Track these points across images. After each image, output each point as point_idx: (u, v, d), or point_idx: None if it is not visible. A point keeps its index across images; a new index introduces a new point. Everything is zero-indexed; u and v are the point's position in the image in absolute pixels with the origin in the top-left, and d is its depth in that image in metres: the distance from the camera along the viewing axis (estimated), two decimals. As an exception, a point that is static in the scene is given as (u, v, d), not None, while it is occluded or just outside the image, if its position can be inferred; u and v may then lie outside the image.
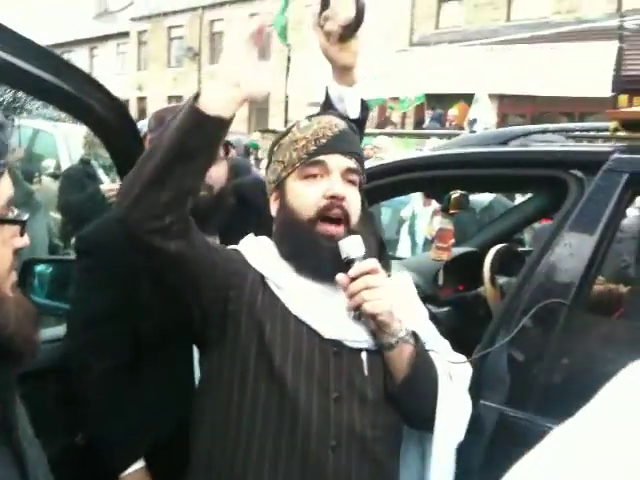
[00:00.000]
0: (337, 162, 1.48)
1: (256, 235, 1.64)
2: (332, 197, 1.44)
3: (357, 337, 1.46)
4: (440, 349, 1.58)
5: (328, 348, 1.43)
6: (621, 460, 0.52)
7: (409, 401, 1.49)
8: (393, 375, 1.47)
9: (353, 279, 1.41)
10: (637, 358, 1.38)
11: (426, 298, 2.99)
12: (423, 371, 1.49)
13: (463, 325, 2.86)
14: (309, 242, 1.45)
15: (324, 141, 1.48)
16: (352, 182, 1.50)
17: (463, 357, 1.61)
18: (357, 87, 1.80)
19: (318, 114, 1.62)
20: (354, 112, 1.80)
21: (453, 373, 1.55)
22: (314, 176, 1.48)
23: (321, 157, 1.47)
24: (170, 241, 1.32)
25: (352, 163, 1.50)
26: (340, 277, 1.41)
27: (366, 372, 1.45)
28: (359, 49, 1.72)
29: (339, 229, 1.45)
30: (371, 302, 1.39)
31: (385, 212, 6.39)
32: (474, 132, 6.73)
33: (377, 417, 1.45)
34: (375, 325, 1.43)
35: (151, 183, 1.29)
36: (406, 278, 1.73)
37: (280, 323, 1.43)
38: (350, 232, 1.46)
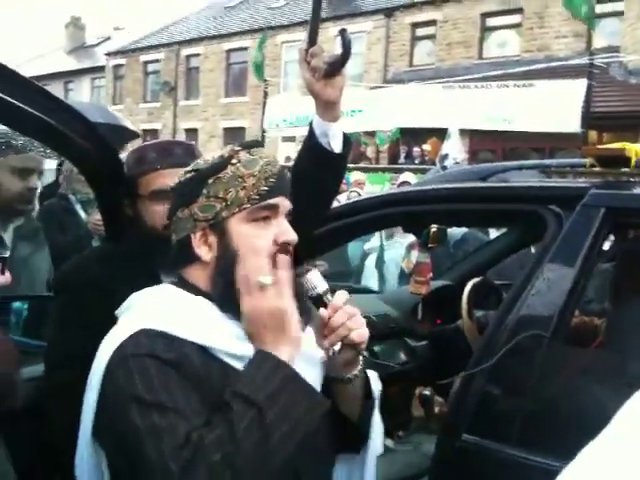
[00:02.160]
0: (284, 204, 1.38)
1: None
2: (285, 243, 1.35)
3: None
4: None
5: None
6: None
7: (364, 427, 1.49)
8: (351, 406, 1.46)
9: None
10: (613, 387, 1.38)
11: (405, 332, 3.02)
12: (372, 394, 1.50)
13: (442, 358, 2.88)
14: None
15: (273, 181, 1.35)
16: (290, 222, 1.41)
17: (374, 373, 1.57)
18: (340, 122, 1.83)
19: (250, 144, 1.44)
20: (337, 147, 1.83)
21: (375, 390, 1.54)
22: (264, 219, 1.35)
23: (274, 200, 1.35)
24: None
25: (290, 203, 1.41)
26: (323, 312, 1.34)
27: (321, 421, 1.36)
28: (343, 85, 1.76)
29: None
30: (356, 330, 1.33)
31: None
32: (445, 167, 6.83)
33: (331, 465, 1.46)
34: (349, 357, 1.38)
35: None
36: None
37: None
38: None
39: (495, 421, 1.76)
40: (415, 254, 3.47)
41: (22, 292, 2.81)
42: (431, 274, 3.09)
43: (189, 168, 1.42)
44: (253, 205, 1.33)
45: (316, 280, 1.37)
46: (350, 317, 1.33)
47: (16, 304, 2.51)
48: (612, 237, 2.57)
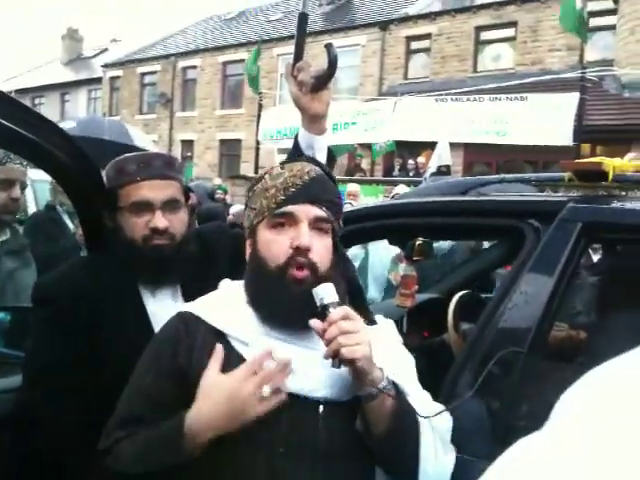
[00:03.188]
0: (305, 212, 1.45)
1: (217, 282, 1.64)
2: (297, 248, 1.43)
3: (316, 389, 1.42)
4: (422, 400, 1.52)
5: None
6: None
7: (390, 453, 1.44)
8: (373, 427, 1.42)
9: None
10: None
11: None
12: (405, 423, 1.43)
13: (427, 372, 2.87)
14: (277, 288, 1.43)
15: (293, 190, 1.46)
16: (322, 230, 1.47)
17: (443, 407, 1.55)
18: (326, 135, 1.85)
19: (291, 160, 1.60)
20: (322, 160, 1.84)
21: (435, 425, 1.49)
22: (282, 225, 1.46)
23: (289, 208, 1.45)
24: None
25: (321, 211, 1.47)
26: (314, 322, 1.37)
27: (320, 424, 1.41)
28: (330, 99, 1.79)
29: (305, 273, 1.42)
30: (348, 347, 1.33)
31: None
32: (425, 179, 6.98)
33: (331, 472, 1.41)
34: (354, 373, 1.38)
35: None
36: (389, 324, 1.69)
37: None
38: (319, 279, 1.42)
39: (472, 437, 1.76)
40: (402, 266, 3.48)
41: (6, 304, 2.81)
42: (416, 287, 3.09)
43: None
44: (271, 213, 1.47)
45: (324, 291, 1.39)
46: (343, 333, 1.34)
47: (-1, 315, 2.52)
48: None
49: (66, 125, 7.46)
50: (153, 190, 1.83)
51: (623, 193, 2.06)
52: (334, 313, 1.36)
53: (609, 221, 1.92)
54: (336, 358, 1.35)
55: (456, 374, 1.90)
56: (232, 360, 1.43)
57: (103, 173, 1.92)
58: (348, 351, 1.33)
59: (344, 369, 1.39)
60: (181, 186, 1.93)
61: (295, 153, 1.84)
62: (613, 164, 2.03)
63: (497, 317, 1.84)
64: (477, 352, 1.84)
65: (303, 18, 1.82)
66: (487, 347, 1.82)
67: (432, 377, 2.56)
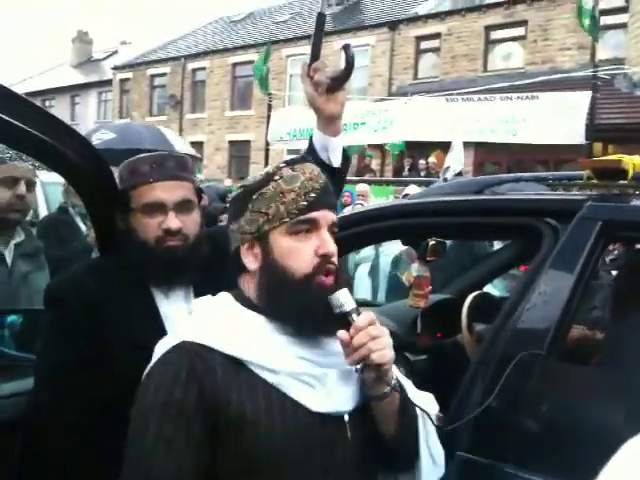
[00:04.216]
0: (325, 217, 1.42)
1: (231, 283, 1.61)
2: (324, 255, 1.39)
3: (342, 404, 1.40)
4: (411, 388, 1.53)
5: (314, 421, 1.36)
6: None
7: (401, 450, 1.45)
8: (385, 426, 1.43)
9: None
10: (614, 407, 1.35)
11: (404, 346, 2.99)
12: (411, 418, 1.45)
13: (441, 372, 2.85)
14: (305, 297, 1.38)
15: (314, 195, 1.41)
16: (334, 234, 1.46)
17: (430, 395, 1.55)
18: (341, 136, 1.83)
19: (296, 161, 1.51)
20: (337, 161, 1.85)
21: (428, 421, 1.49)
22: (304, 231, 1.41)
23: (313, 214, 1.40)
24: None
25: (335, 216, 1.46)
26: (342, 334, 1.33)
27: (349, 436, 1.40)
28: (345, 100, 1.77)
29: (331, 280, 1.40)
30: (378, 352, 1.32)
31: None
32: (446, 179, 6.87)
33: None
34: (377, 375, 1.36)
35: None
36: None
37: (264, 402, 1.34)
38: (338, 284, 1.40)
39: (489, 440, 1.73)
40: (415, 267, 3.45)
41: (20, 307, 2.81)
42: (430, 287, 3.06)
43: (240, 184, 1.51)
44: (292, 219, 1.39)
45: (343, 298, 1.37)
46: (372, 338, 1.33)
47: (11, 317, 2.52)
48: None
49: (105, 136, 7.41)
50: (166, 191, 1.82)
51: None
52: (361, 320, 1.34)
53: (629, 219, 1.90)
54: (362, 363, 1.34)
55: (472, 375, 1.87)
56: (256, 387, 1.34)
57: (116, 174, 1.91)
58: (378, 356, 1.33)
59: (355, 375, 1.39)
60: (194, 187, 1.91)
61: (309, 154, 1.83)
62: (633, 162, 1.99)
63: (515, 318, 1.81)
64: (494, 353, 1.82)
65: (321, 18, 1.80)
66: (504, 348, 1.79)
67: (446, 378, 2.54)
